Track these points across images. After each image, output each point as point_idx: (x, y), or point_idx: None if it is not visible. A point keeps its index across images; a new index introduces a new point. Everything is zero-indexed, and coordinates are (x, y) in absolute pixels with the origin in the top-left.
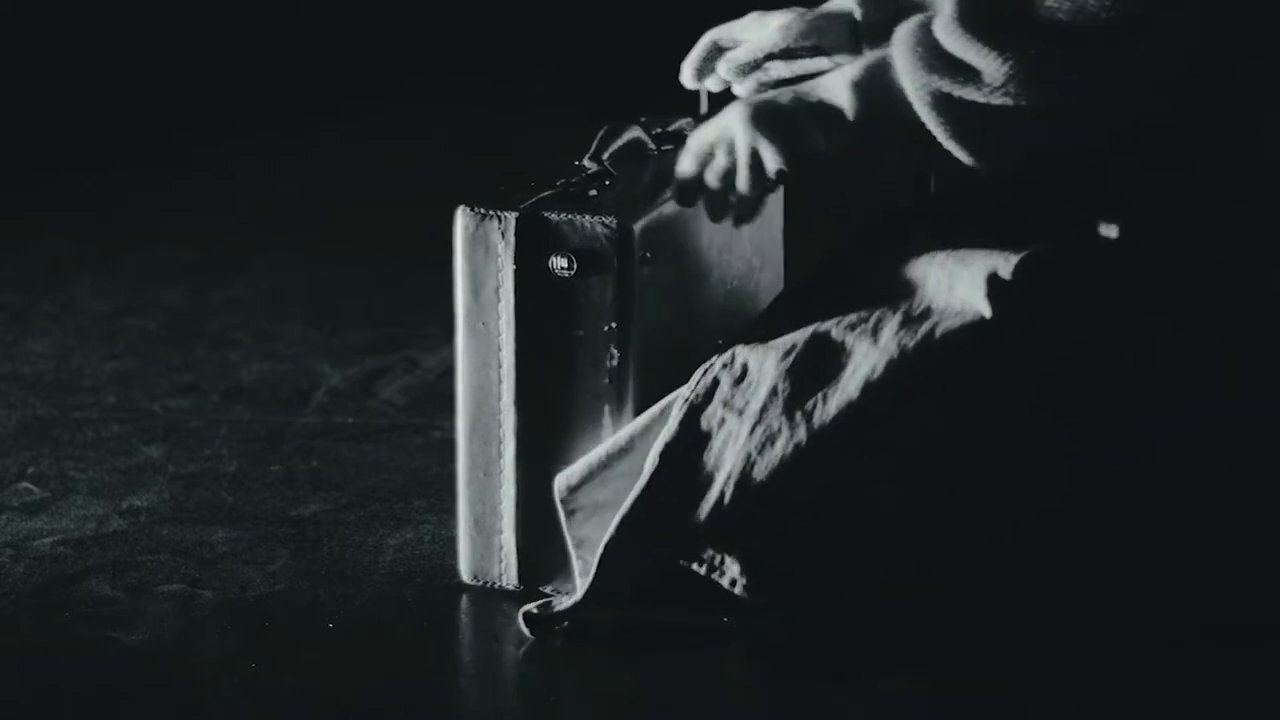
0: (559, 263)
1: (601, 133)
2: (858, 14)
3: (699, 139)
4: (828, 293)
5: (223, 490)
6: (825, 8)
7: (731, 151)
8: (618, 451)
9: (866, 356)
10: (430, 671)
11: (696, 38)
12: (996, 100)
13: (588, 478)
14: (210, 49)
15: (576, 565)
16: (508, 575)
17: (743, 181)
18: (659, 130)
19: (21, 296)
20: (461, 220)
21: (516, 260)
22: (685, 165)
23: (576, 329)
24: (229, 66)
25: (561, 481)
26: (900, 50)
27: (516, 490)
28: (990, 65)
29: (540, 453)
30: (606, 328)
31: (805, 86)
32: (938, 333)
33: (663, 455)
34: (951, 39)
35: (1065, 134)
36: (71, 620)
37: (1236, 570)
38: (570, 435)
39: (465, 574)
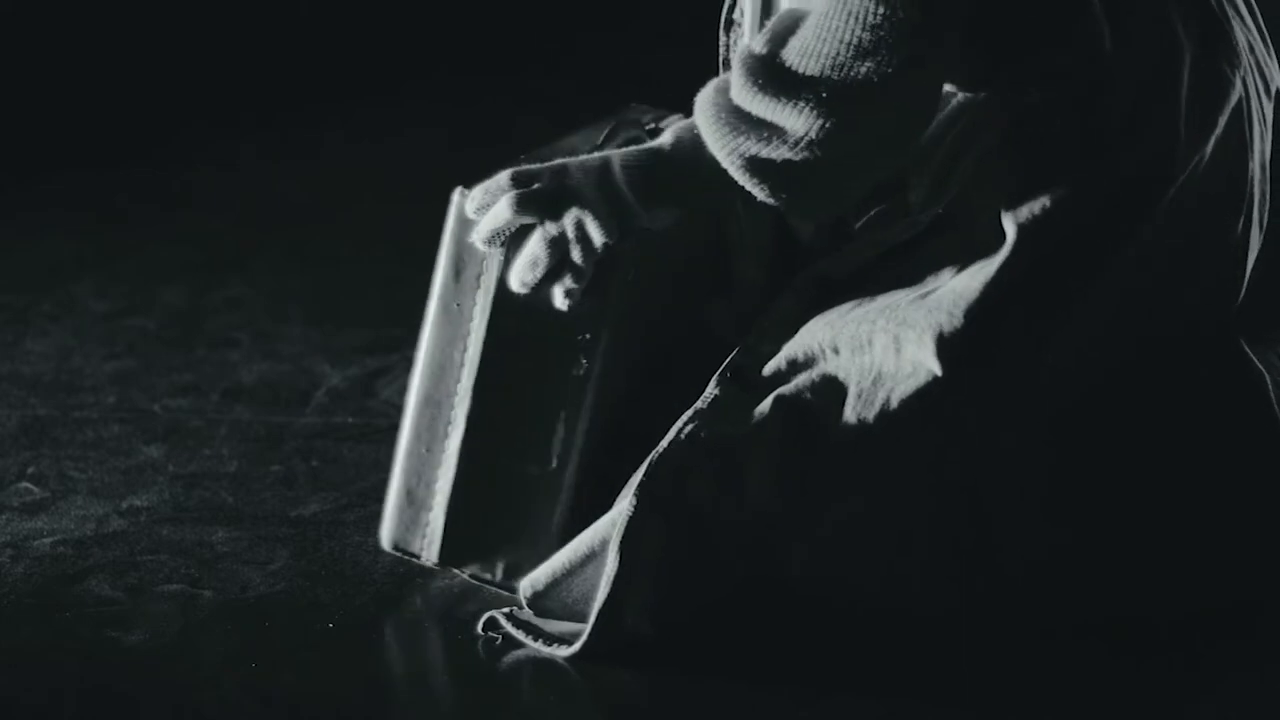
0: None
1: (607, 130)
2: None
3: (522, 200)
4: (776, 348)
5: (223, 490)
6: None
7: (559, 217)
8: (580, 559)
9: (831, 437)
10: (430, 672)
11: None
12: (800, 155)
13: (553, 584)
14: (210, 49)
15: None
16: (429, 553)
17: (576, 256)
18: (653, 126)
19: (21, 296)
20: (456, 200)
21: (505, 253)
22: (501, 212)
23: (551, 332)
24: (229, 66)
25: (527, 586)
26: (704, 120)
27: (455, 474)
28: (791, 121)
29: (487, 444)
30: (580, 337)
31: (630, 161)
32: (894, 401)
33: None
34: (752, 101)
35: (866, 175)
36: (71, 620)
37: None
38: (520, 433)
39: (385, 540)
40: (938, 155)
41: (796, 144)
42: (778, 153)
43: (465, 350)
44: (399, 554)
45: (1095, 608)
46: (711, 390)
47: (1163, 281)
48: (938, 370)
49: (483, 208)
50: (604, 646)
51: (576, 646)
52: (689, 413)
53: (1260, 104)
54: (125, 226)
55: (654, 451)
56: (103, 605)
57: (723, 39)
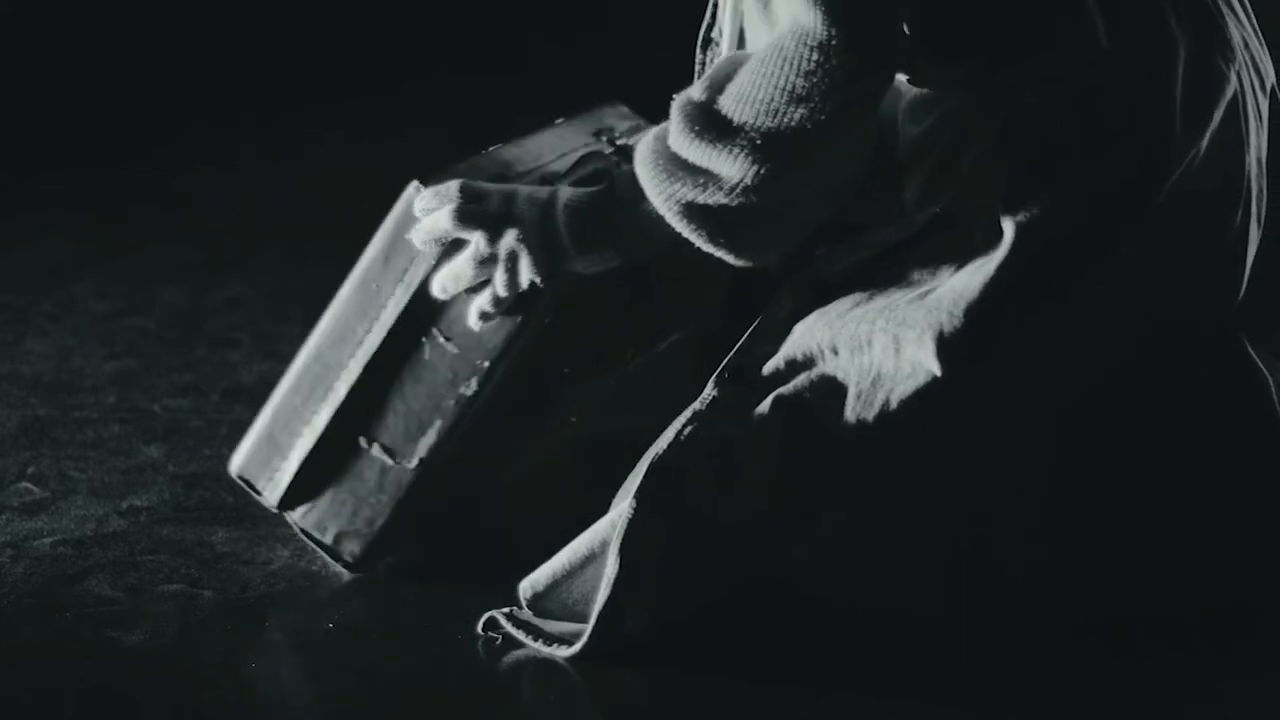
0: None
1: (577, 159)
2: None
3: (464, 215)
4: (773, 350)
5: (223, 490)
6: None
7: (495, 241)
8: (580, 560)
9: (830, 438)
10: (430, 672)
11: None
12: (736, 201)
13: (553, 585)
14: (210, 49)
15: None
16: (269, 496)
17: (499, 284)
18: (625, 143)
19: (21, 296)
20: (409, 192)
21: (438, 259)
22: (442, 220)
23: (454, 345)
24: (229, 66)
25: (527, 587)
26: (643, 168)
27: (318, 440)
28: (727, 167)
29: (356, 423)
30: (480, 361)
31: (574, 202)
32: (893, 402)
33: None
34: (689, 148)
35: (802, 220)
36: (71, 620)
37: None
38: (392, 425)
39: (234, 466)
40: (934, 155)
41: (732, 190)
42: (714, 199)
43: (369, 331)
44: (241, 483)
45: (1095, 608)
46: (710, 391)
47: (1162, 280)
48: (937, 370)
49: (427, 210)
50: (604, 647)
51: (577, 647)
52: (688, 413)
53: (1255, 99)
54: (125, 226)
55: (653, 453)
56: (103, 605)
57: (699, 57)
